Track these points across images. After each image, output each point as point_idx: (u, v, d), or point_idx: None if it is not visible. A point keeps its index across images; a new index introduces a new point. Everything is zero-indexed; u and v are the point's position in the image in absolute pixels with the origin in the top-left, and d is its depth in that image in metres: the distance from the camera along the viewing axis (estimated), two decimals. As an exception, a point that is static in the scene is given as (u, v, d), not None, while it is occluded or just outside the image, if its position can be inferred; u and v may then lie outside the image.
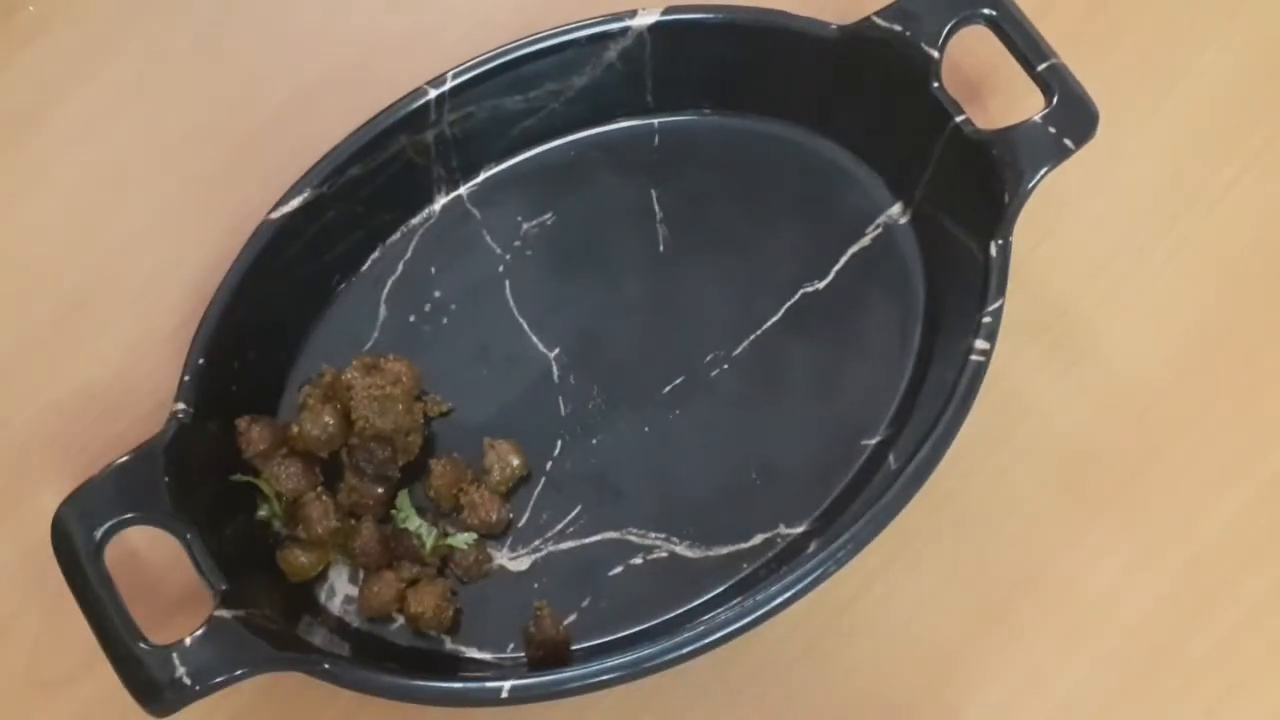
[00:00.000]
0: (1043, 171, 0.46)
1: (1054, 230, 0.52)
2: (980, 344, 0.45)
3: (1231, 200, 0.52)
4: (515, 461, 0.48)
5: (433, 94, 0.50)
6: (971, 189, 0.48)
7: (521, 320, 0.51)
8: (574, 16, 0.51)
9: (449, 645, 0.47)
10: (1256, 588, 0.47)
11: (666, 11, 0.51)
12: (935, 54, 0.49)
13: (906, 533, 0.46)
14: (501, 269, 0.52)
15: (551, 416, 0.50)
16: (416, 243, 0.53)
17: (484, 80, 0.51)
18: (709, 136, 0.53)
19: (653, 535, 0.48)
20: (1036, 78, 0.47)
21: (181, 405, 0.46)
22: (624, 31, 0.51)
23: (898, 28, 0.49)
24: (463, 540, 0.47)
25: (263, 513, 0.48)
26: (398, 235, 0.53)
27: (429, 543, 0.47)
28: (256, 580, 0.46)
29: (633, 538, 0.47)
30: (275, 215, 0.49)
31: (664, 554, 0.47)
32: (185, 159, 0.56)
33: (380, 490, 0.48)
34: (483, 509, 0.47)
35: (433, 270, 0.52)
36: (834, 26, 0.50)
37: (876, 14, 0.50)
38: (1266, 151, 0.53)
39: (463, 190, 0.53)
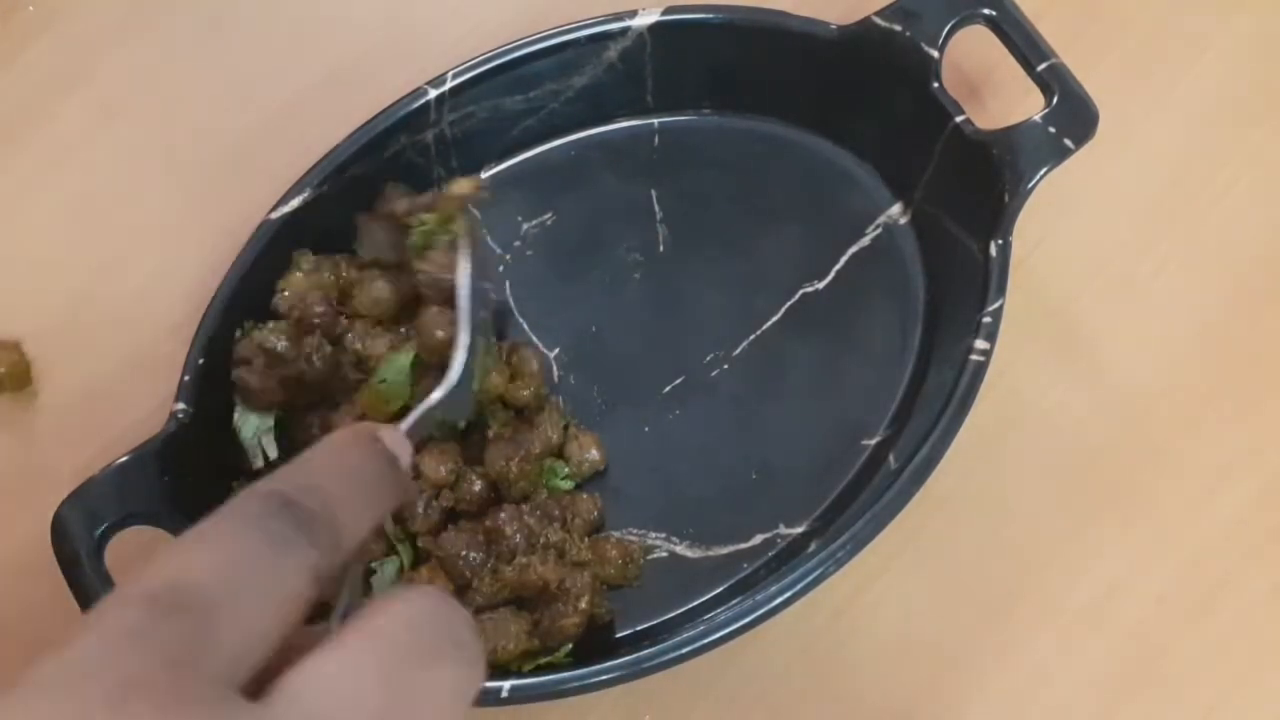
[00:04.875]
0: (1043, 171, 0.46)
1: (1054, 230, 0.52)
2: (980, 344, 0.45)
3: (1232, 200, 0.52)
4: (594, 455, 0.48)
5: (433, 94, 0.50)
6: (971, 189, 0.48)
7: (521, 320, 0.51)
8: (574, 17, 0.51)
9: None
10: (1256, 588, 0.47)
11: (666, 12, 0.51)
12: (935, 54, 0.49)
13: (906, 533, 0.46)
14: (502, 269, 0.52)
15: (552, 416, 0.50)
16: (416, 243, 0.53)
17: (484, 80, 0.51)
18: (709, 136, 0.53)
19: (653, 535, 0.48)
20: (1036, 78, 0.47)
21: (182, 405, 0.46)
22: (624, 31, 0.51)
23: (898, 28, 0.49)
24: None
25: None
26: (398, 235, 0.53)
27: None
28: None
29: (633, 538, 0.47)
30: (275, 215, 0.49)
31: (664, 554, 0.47)
32: (185, 159, 0.56)
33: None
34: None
35: (433, 270, 0.52)
36: (834, 26, 0.50)
37: (876, 14, 0.50)
38: (1266, 151, 0.53)
39: (463, 190, 0.53)
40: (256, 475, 0.47)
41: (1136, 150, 0.53)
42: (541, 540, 0.45)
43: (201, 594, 0.25)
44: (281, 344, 0.45)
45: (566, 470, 0.48)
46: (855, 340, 0.50)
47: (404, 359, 0.46)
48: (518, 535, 0.44)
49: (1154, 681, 0.46)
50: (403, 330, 0.47)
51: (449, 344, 0.45)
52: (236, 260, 0.48)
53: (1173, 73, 0.54)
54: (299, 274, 0.48)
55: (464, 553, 0.44)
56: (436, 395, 0.40)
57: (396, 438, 0.32)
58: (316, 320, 0.46)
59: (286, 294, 0.48)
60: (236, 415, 0.47)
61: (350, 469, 0.30)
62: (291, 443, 0.47)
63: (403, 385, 0.46)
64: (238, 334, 0.47)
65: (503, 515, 0.45)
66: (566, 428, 0.48)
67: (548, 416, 0.48)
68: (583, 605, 0.44)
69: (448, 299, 0.43)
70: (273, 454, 0.46)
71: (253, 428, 0.46)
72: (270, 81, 0.56)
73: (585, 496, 0.47)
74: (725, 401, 0.49)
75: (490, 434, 0.46)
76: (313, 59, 0.57)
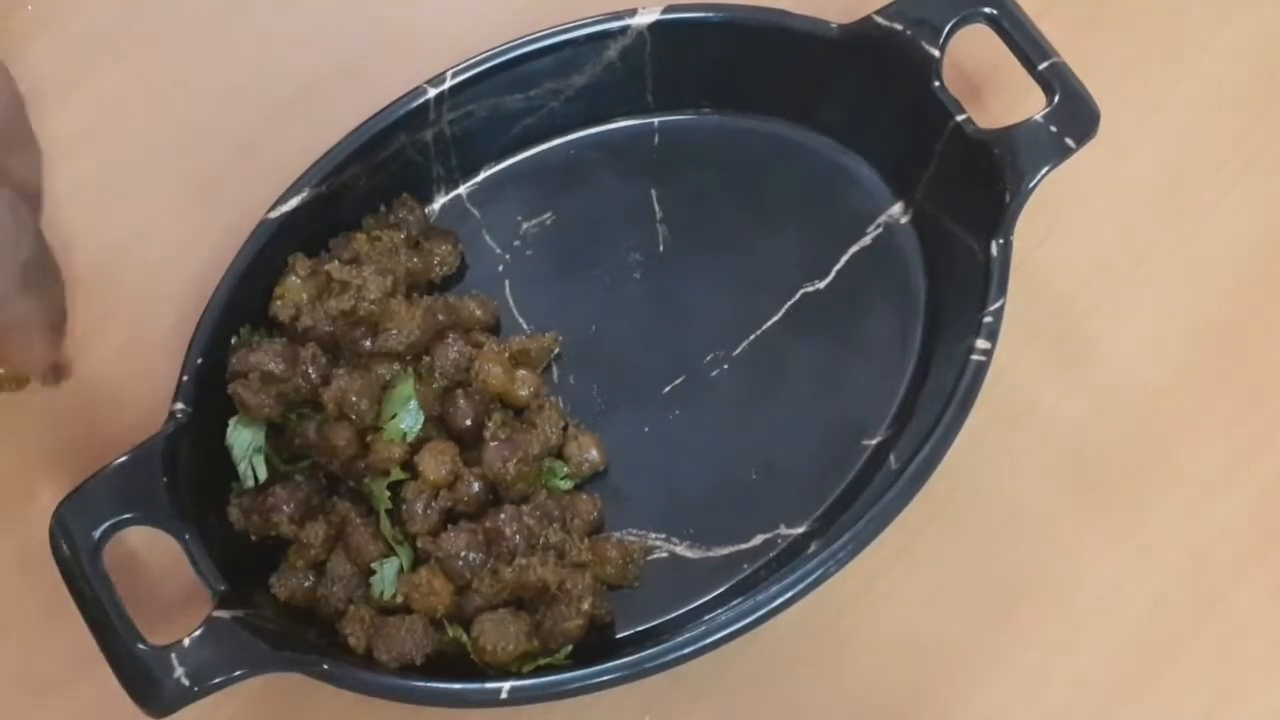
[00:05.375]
0: (1044, 171, 0.46)
1: (1055, 230, 0.52)
2: (981, 344, 0.45)
3: (1233, 200, 0.52)
4: (594, 455, 0.48)
5: (432, 93, 0.50)
6: (972, 188, 0.47)
7: (521, 320, 0.51)
8: (574, 15, 0.51)
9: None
10: (1256, 588, 0.47)
11: (666, 10, 0.51)
12: (936, 53, 0.48)
13: (906, 533, 0.46)
14: (501, 269, 0.52)
15: (551, 416, 0.49)
16: (416, 242, 0.53)
17: (483, 79, 0.51)
18: (709, 136, 0.53)
19: (653, 535, 0.48)
20: (1038, 77, 0.47)
21: (180, 405, 0.46)
22: (624, 30, 0.51)
23: (898, 27, 0.49)
24: None
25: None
26: (397, 235, 0.53)
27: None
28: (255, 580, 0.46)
29: (633, 538, 0.47)
30: (274, 214, 0.49)
31: (664, 554, 0.47)
32: (185, 159, 0.55)
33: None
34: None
35: (432, 270, 0.52)
36: (834, 26, 0.50)
37: (877, 13, 0.49)
38: (1267, 151, 0.53)
39: (462, 190, 0.53)
40: (248, 491, 0.47)
41: (1137, 150, 0.53)
42: (541, 541, 0.45)
43: None
44: (277, 366, 0.45)
45: (566, 470, 0.48)
46: (855, 340, 0.50)
47: (404, 389, 0.46)
48: (517, 536, 0.44)
49: (1155, 681, 0.46)
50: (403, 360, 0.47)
51: (465, 367, 0.46)
52: (235, 260, 0.48)
53: (1173, 73, 0.54)
54: (296, 280, 0.48)
55: (463, 553, 0.44)
56: None
57: None
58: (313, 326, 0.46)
59: (280, 302, 0.47)
60: (230, 430, 0.46)
61: None
62: (290, 450, 0.47)
63: (415, 412, 0.46)
64: (234, 340, 0.47)
65: (502, 516, 0.45)
66: (565, 428, 0.48)
67: (546, 417, 0.48)
68: (585, 607, 0.44)
69: None
70: (262, 475, 0.46)
71: (245, 444, 0.46)
72: (270, 81, 0.56)
73: (585, 497, 0.47)
74: (725, 401, 0.49)
75: (487, 434, 0.46)
76: (312, 59, 0.57)
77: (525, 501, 0.46)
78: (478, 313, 0.50)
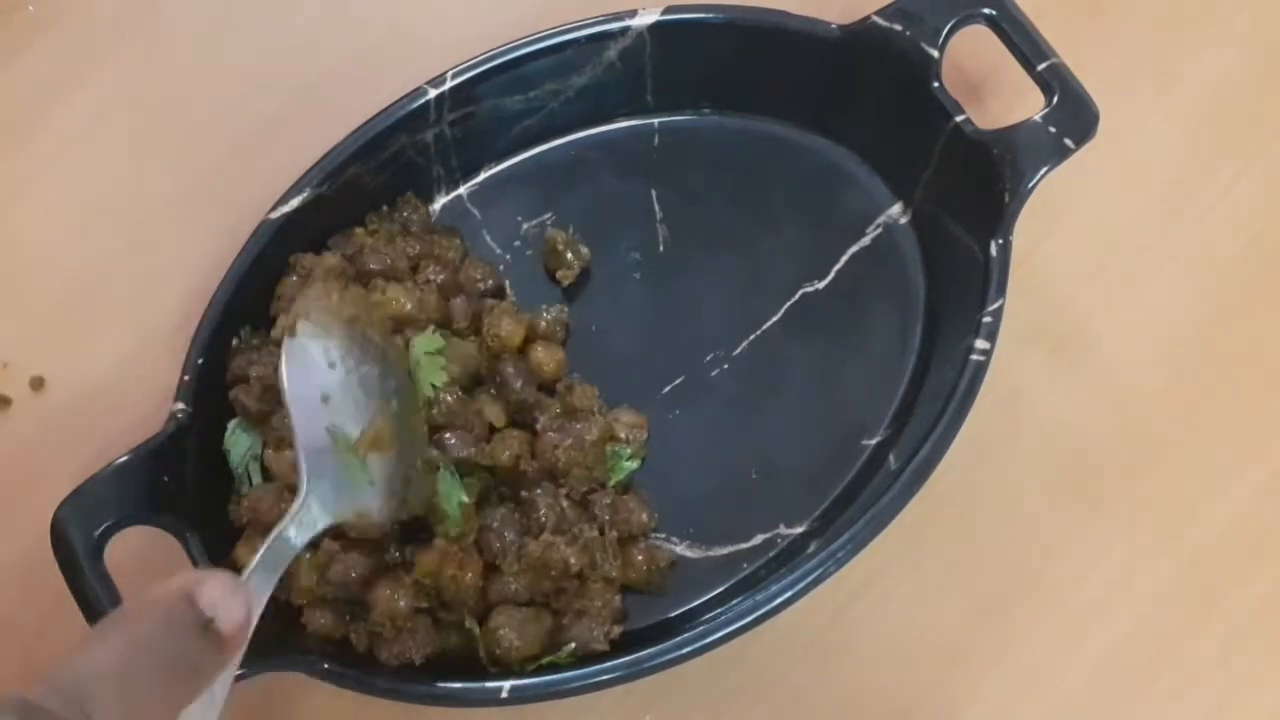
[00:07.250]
0: (1043, 171, 0.46)
1: (1054, 230, 0.52)
2: (980, 344, 0.45)
3: (1231, 200, 0.52)
4: (634, 420, 0.48)
5: (432, 94, 0.50)
6: (972, 189, 0.48)
7: (521, 320, 0.51)
8: (574, 16, 0.51)
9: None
10: (1256, 588, 0.47)
11: (667, 11, 0.51)
12: (935, 54, 0.49)
13: (906, 533, 0.46)
14: (502, 269, 0.52)
15: (552, 416, 0.50)
16: (416, 243, 0.53)
17: (484, 80, 0.51)
18: (709, 136, 0.53)
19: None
20: (1037, 77, 0.47)
21: (181, 405, 0.46)
22: (624, 31, 0.51)
23: (898, 27, 0.49)
24: None
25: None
26: (398, 235, 0.53)
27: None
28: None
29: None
30: (275, 215, 0.49)
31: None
32: (185, 159, 0.56)
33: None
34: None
35: (433, 270, 0.52)
36: (834, 26, 0.50)
37: (877, 14, 0.50)
38: (1266, 151, 0.53)
39: (463, 190, 0.53)
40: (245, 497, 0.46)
41: (1137, 150, 0.53)
42: (575, 531, 0.44)
43: None
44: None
45: (629, 451, 0.47)
46: (855, 340, 0.50)
47: (433, 340, 0.46)
48: (549, 513, 0.44)
49: (1155, 681, 0.46)
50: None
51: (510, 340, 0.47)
52: (236, 260, 0.48)
53: (1173, 73, 0.54)
54: (297, 279, 0.48)
55: (495, 525, 0.44)
56: (285, 520, 0.39)
57: (225, 593, 0.28)
58: None
59: (281, 302, 0.48)
60: (229, 433, 0.47)
61: (137, 658, 0.27)
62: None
63: (435, 359, 0.45)
64: (235, 342, 0.47)
65: (538, 491, 0.45)
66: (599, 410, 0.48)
67: (580, 394, 0.47)
68: (614, 635, 0.44)
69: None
70: (258, 481, 0.46)
71: (243, 449, 0.46)
72: (270, 81, 0.56)
73: (635, 498, 0.47)
74: (725, 401, 0.49)
75: (539, 426, 0.46)
76: (312, 59, 0.57)
77: (590, 493, 0.46)
78: (477, 277, 0.50)
